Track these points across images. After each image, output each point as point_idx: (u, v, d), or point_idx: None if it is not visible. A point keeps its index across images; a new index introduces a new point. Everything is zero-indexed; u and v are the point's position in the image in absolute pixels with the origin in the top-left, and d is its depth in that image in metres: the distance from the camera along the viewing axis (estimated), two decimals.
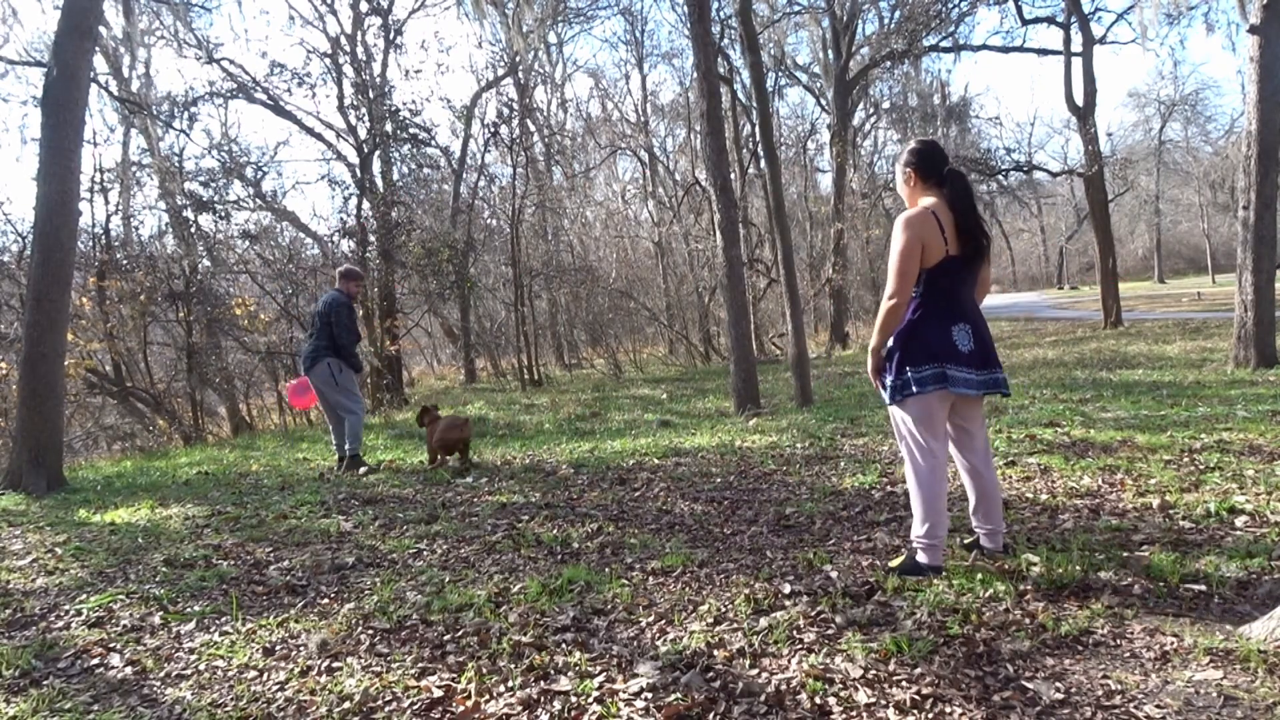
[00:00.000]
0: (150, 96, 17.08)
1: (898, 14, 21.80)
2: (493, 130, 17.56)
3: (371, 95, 16.65)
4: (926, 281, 2.91)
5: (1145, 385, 7.81)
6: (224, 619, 3.18)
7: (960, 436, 3.07)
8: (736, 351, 8.91)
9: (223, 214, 15.54)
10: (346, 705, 2.36)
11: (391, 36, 18.28)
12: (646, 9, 39.05)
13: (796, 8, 22.63)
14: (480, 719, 2.25)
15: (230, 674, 2.67)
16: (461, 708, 2.30)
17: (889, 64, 21.73)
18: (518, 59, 21.37)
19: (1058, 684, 2.16)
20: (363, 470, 6.35)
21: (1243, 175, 8.80)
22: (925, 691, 2.15)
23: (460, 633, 2.84)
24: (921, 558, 2.97)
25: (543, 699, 2.31)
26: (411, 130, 16.81)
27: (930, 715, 2.05)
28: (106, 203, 14.55)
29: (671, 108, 26.57)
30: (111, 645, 2.99)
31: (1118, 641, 2.38)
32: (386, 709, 2.34)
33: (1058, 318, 24.13)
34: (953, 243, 2.88)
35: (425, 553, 3.96)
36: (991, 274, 3.15)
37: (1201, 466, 4.32)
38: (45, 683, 2.70)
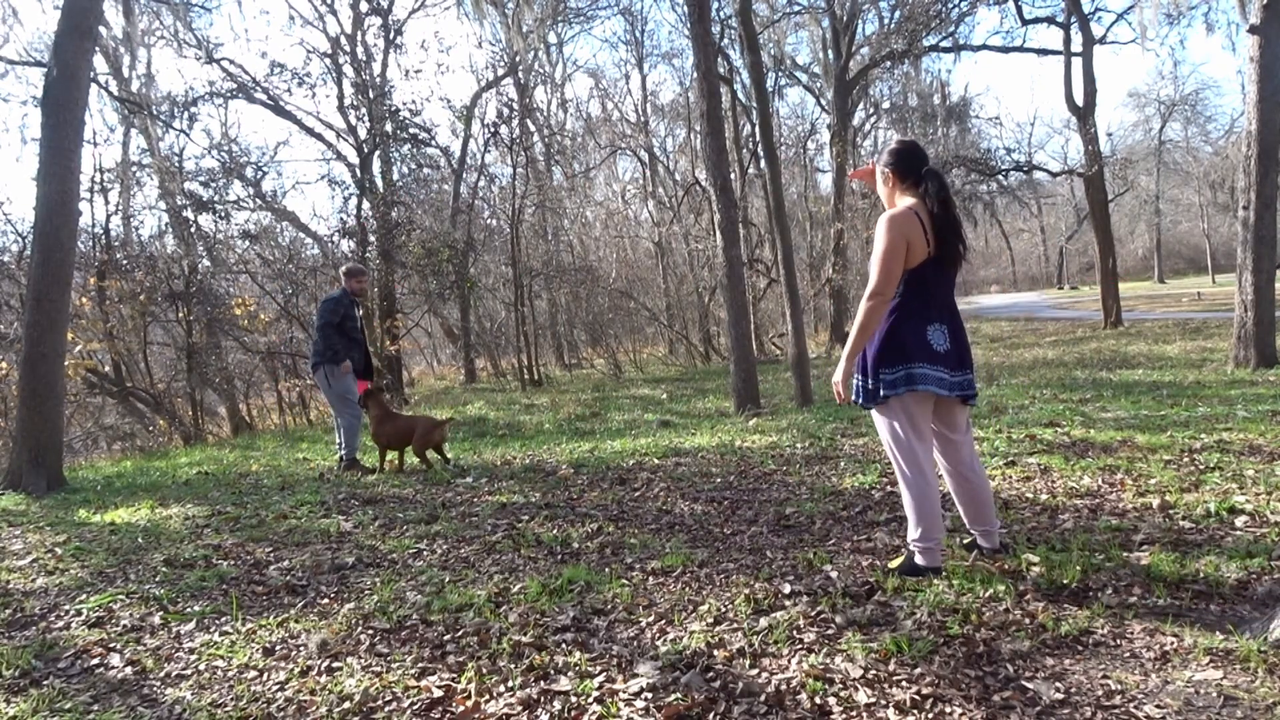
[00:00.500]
0: (150, 96, 17.11)
1: (898, 14, 21.79)
2: (493, 130, 17.58)
3: (371, 95, 16.65)
4: (906, 282, 2.89)
5: (1145, 385, 7.81)
6: (224, 619, 3.18)
7: (945, 446, 3.03)
8: (736, 351, 8.92)
9: (223, 214, 15.56)
10: (346, 705, 2.36)
11: (391, 36, 18.30)
12: (646, 9, 39.09)
13: (796, 8, 22.66)
14: (480, 719, 2.25)
15: (230, 674, 2.67)
16: (461, 708, 2.30)
17: (889, 64, 21.73)
18: (518, 59, 21.38)
19: (1058, 684, 2.16)
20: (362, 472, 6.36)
21: (1243, 175, 8.80)
22: (925, 691, 2.15)
23: (460, 633, 2.84)
24: (920, 560, 2.96)
25: (543, 699, 2.31)
26: (411, 130, 16.82)
27: (930, 715, 2.05)
28: (106, 203, 14.59)
29: (671, 108, 26.59)
30: (111, 645, 2.99)
31: (1118, 641, 2.38)
32: (386, 709, 2.33)
33: (1058, 318, 24.15)
34: (933, 243, 2.87)
35: (425, 553, 3.96)
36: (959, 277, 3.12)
37: (1201, 466, 4.31)
38: (45, 683, 2.70)
